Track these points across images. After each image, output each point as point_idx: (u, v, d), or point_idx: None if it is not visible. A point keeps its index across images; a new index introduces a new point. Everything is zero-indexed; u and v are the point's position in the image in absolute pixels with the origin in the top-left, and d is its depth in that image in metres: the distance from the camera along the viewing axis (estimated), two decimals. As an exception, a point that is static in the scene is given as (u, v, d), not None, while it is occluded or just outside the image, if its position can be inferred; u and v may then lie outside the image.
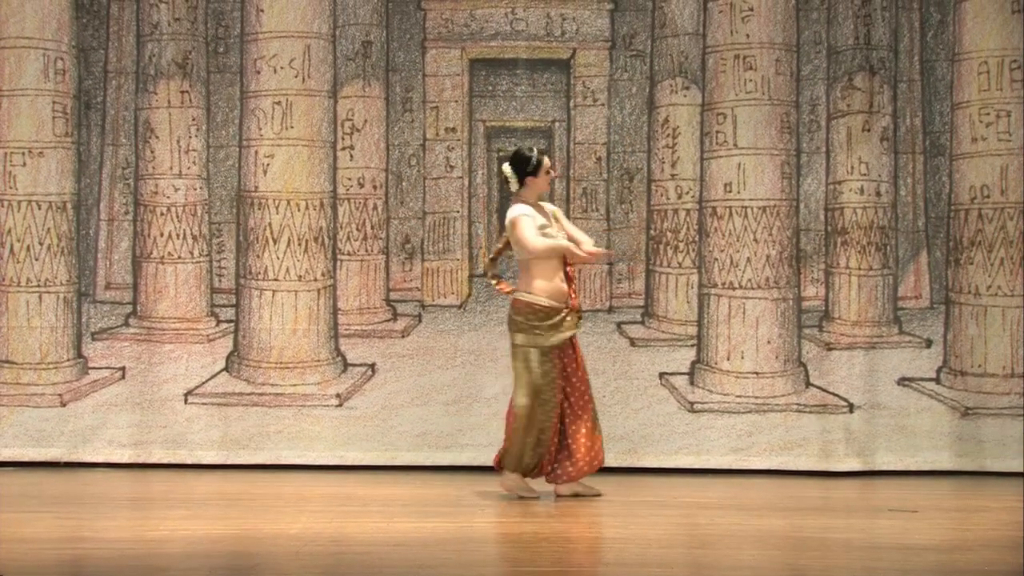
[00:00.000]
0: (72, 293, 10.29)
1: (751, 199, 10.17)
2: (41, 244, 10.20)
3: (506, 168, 8.72)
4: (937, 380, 10.26)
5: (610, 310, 10.32)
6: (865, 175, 10.26)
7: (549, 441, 8.63)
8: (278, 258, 10.21)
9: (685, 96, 10.32)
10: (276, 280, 10.23)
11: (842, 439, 10.12)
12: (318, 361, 10.26)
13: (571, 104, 10.44)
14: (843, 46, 10.30)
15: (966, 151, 10.20)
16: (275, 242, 10.21)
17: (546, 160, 8.72)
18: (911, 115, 10.36)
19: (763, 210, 10.17)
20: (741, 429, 10.16)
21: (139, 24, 10.38)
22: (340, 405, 10.24)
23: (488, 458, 10.06)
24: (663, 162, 10.35)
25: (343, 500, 8.81)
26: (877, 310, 10.28)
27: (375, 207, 10.42)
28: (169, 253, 10.32)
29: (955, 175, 10.27)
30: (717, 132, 10.21)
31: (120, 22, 10.41)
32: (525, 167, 8.66)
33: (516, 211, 8.64)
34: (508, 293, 8.77)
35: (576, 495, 8.71)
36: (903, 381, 10.24)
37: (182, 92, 10.33)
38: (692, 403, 10.21)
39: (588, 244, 8.74)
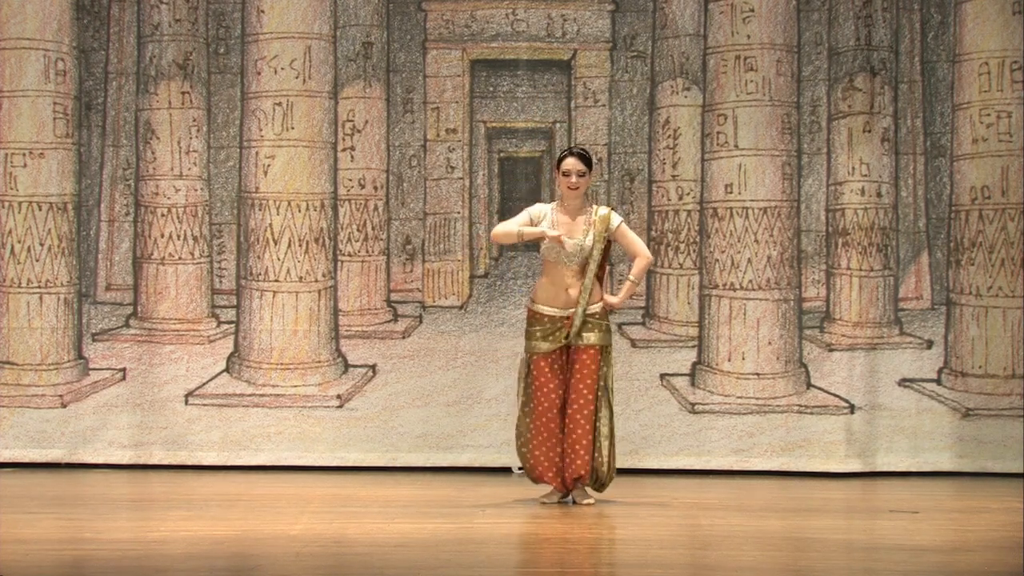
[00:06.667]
0: (73, 294, 10.29)
1: (752, 200, 10.17)
2: (42, 245, 10.20)
3: (582, 164, 8.25)
4: (938, 381, 10.26)
5: (611, 311, 10.29)
6: (866, 176, 10.26)
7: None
8: (279, 259, 10.21)
9: (686, 97, 10.32)
10: (277, 281, 10.22)
11: (843, 440, 10.12)
12: (319, 362, 10.26)
13: (572, 105, 10.44)
14: (844, 47, 10.30)
15: (967, 152, 10.20)
16: (276, 243, 10.21)
17: (566, 162, 8.27)
18: (912, 116, 10.36)
19: (764, 211, 10.17)
20: (742, 430, 10.16)
21: (140, 25, 10.37)
22: (341, 406, 10.24)
23: (489, 459, 10.09)
24: (664, 163, 10.35)
25: (344, 501, 8.80)
26: (878, 311, 10.28)
27: (376, 208, 10.41)
28: (170, 254, 10.32)
29: (956, 176, 10.26)
30: (718, 133, 10.21)
31: (121, 23, 10.41)
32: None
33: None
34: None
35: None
36: (904, 382, 10.24)
37: (183, 93, 10.33)
38: (693, 404, 10.20)
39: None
